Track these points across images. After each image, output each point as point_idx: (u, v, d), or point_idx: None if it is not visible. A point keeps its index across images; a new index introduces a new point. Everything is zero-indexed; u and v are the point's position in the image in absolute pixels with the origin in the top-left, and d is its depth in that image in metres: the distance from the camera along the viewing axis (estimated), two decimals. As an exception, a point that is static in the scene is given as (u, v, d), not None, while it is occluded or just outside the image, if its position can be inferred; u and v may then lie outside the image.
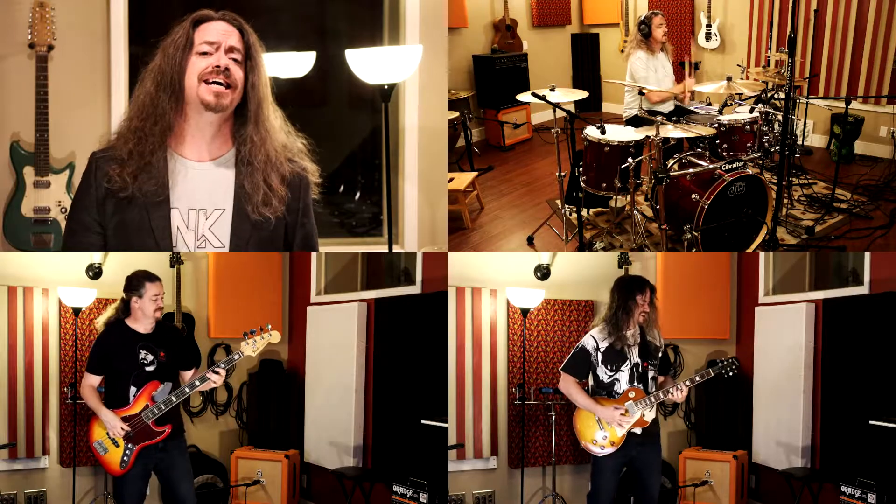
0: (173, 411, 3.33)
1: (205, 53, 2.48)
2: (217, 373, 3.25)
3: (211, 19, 2.53)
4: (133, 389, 3.28)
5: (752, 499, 4.61)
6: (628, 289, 3.45)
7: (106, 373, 3.34)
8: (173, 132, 2.53)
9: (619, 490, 3.55)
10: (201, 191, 2.54)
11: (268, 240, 2.56)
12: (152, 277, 3.34)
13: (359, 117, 5.38)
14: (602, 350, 3.45)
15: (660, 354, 3.50)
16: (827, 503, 4.04)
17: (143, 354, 3.29)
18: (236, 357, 3.28)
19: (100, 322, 3.38)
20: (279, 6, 5.19)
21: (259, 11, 5.33)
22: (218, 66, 2.46)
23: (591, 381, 3.51)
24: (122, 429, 3.25)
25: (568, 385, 3.50)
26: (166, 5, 4.95)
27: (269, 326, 3.30)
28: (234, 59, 2.50)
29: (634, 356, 3.44)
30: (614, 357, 3.44)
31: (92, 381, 3.34)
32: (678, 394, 3.40)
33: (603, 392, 3.45)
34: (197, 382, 3.27)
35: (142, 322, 3.32)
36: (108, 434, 3.28)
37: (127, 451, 3.26)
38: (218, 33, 2.50)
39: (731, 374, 3.43)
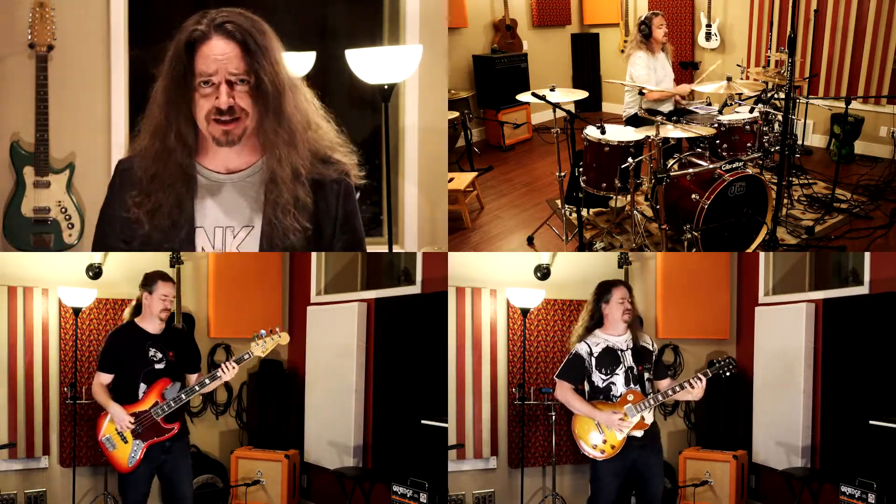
0: (179, 412, 3.38)
1: (205, 85, 2.22)
2: (226, 370, 3.29)
3: (206, 38, 2.21)
4: (143, 386, 3.34)
5: (752, 499, 4.61)
6: (598, 293, 3.50)
7: (116, 371, 3.39)
8: (196, 146, 2.35)
9: (621, 492, 3.53)
10: (228, 206, 2.36)
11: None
12: (166, 277, 3.42)
13: (359, 117, 5.38)
14: (595, 355, 3.44)
15: (653, 359, 3.48)
16: (827, 503, 4.04)
17: (152, 352, 3.36)
18: (245, 356, 3.32)
19: (125, 314, 3.47)
20: (279, 6, 5.20)
21: (259, 11, 5.35)
22: (220, 108, 2.23)
23: (586, 387, 3.49)
24: (130, 422, 3.29)
25: (564, 392, 3.48)
26: (167, 6, 4.95)
27: (279, 329, 3.35)
28: (238, 83, 2.23)
29: (628, 359, 3.43)
30: (608, 361, 3.42)
31: (102, 379, 3.40)
32: (697, 385, 3.33)
33: (600, 396, 3.43)
34: (207, 381, 3.32)
35: (150, 322, 3.39)
36: (116, 430, 3.33)
37: (135, 448, 3.31)
38: (215, 60, 2.20)
39: (727, 374, 3.41)
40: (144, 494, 3.37)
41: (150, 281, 3.39)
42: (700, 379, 3.34)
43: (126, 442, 3.31)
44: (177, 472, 3.40)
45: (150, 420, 3.31)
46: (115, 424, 3.33)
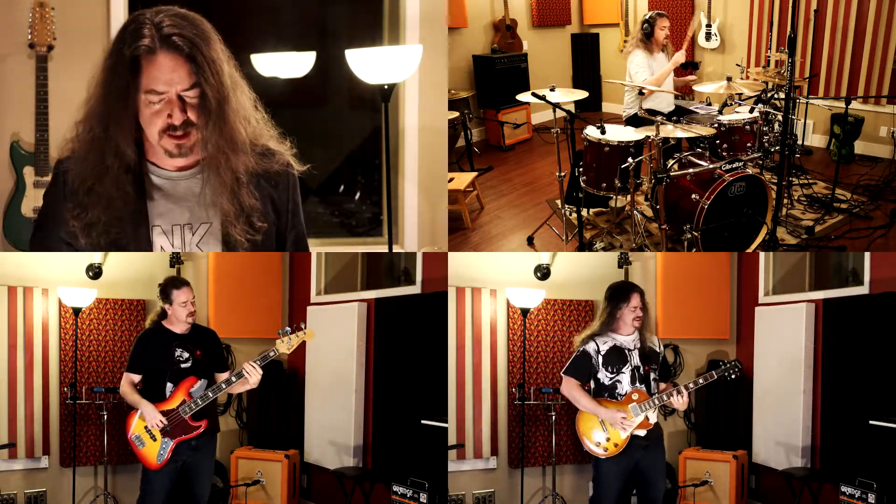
0: (210, 409, 3.43)
1: (156, 104, 2.16)
2: (254, 369, 3.31)
3: (152, 53, 2.13)
4: (169, 385, 3.38)
5: (752, 499, 4.61)
6: (613, 298, 3.49)
7: (144, 372, 3.45)
8: (145, 147, 2.30)
9: (623, 492, 3.54)
10: (183, 204, 2.34)
11: (261, 247, 2.40)
12: (178, 284, 3.46)
13: (359, 117, 5.38)
14: (603, 353, 3.45)
15: (659, 360, 3.50)
16: (827, 503, 4.04)
17: (178, 352, 3.41)
18: (271, 354, 3.34)
19: (148, 322, 3.55)
20: (279, 6, 5.20)
21: (259, 11, 5.36)
22: (174, 125, 2.18)
23: (592, 384, 3.51)
24: (161, 420, 3.32)
25: (570, 388, 3.50)
26: (166, 5, 4.94)
27: (304, 325, 3.37)
28: (189, 100, 2.18)
29: (635, 359, 3.44)
30: (615, 360, 3.44)
31: (132, 378, 3.46)
32: (679, 399, 3.37)
33: (605, 394, 3.45)
34: (233, 378, 3.35)
35: (177, 325, 3.45)
36: (145, 428, 3.35)
37: (164, 446, 3.34)
38: (164, 79, 2.14)
39: (733, 376, 3.42)
40: (167, 492, 3.39)
41: (165, 293, 3.44)
42: (681, 392, 3.37)
43: (155, 440, 3.35)
44: (198, 469, 3.43)
45: (178, 418, 3.34)
46: (146, 422, 3.35)
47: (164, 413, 3.35)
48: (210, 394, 3.37)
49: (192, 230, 2.36)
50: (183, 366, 3.40)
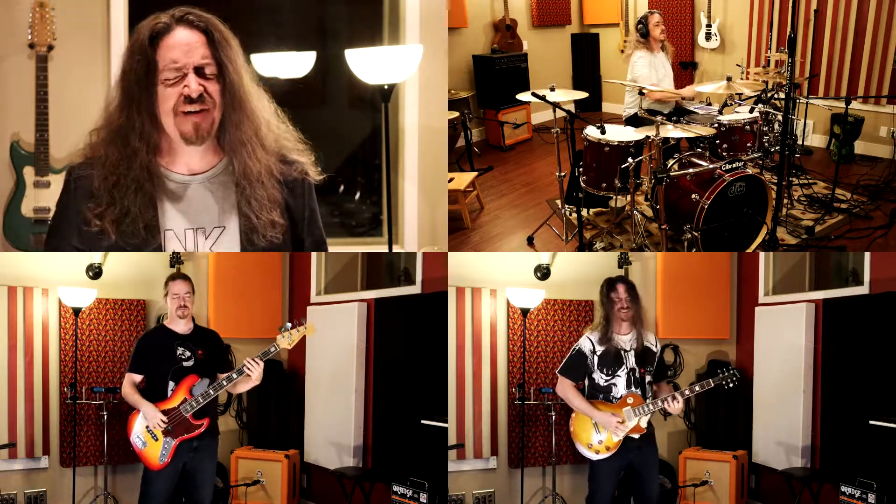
0: (211, 409, 3.40)
1: (171, 79, 2.19)
2: (255, 364, 3.28)
3: (169, 29, 2.21)
4: (171, 384, 3.36)
5: (752, 499, 4.61)
6: (603, 291, 3.49)
7: (146, 371, 3.43)
8: (157, 150, 2.30)
9: (619, 492, 3.54)
10: (196, 208, 2.33)
11: (279, 250, 2.41)
12: (174, 276, 3.47)
13: (359, 117, 5.38)
14: (598, 353, 3.44)
15: (655, 360, 3.48)
16: (827, 503, 4.04)
17: (180, 351, 3.39)
18: (272, 350, 3.33)
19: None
20: (279, 6, 5.20)
21: (259, 11, 5.36)
22: (189, 97, 2.19)
23: (586, 383, 3.50)
24: (162, 420, 3.30)
25: (565, 388, 3.49)
26: (166, 5, 4.94)
27: (305, 320, 3.36)
28: (206, 72, 2.22)
29: (631, 361, 3.42)
30: (611, 361, 3.42)
31: (133, 378, 3.43)
32: (675, 405, 3.35)
33: (600, 395, 3.44)
34: (234, 375, 3.33)
35: (175, 323, 3.43)
36: (147, 428, 3.33)
37: (165, 446, 3.32)
38: (181, 51, 2.19)
39: (730, 385, 3.41)
40: (168, 491, 3.36)
41: (164, 285, 3.46)
42: (676, 399, 3.35)
43: (157, 440, 3.33)
44: (201, 472, 3.40)
45: (180, 417, 3.32)
46: (147, 422, 3.32)
47: (165, 412, 3.32)
48: (212, 391, 3.34)
49: (206, 234, 2.35)
50: (185, 364, 3.38)
